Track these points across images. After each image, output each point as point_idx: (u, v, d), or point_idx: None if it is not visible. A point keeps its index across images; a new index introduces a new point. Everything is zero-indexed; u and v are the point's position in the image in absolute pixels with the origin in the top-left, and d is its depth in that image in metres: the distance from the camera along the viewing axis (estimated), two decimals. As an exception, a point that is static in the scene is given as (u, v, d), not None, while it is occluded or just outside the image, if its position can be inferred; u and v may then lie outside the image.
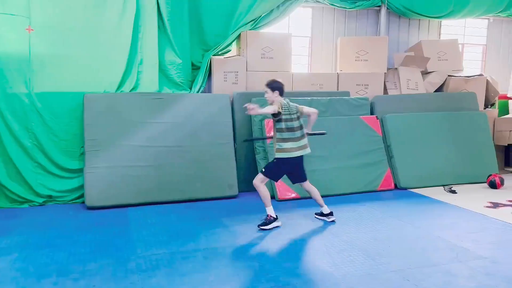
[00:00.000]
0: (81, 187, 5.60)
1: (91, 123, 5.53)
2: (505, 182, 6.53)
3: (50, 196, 5.59)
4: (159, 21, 6.16)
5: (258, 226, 4.60)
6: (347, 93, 6.93)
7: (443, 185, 6.48)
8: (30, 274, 3.46)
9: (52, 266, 3.61)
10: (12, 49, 5.38)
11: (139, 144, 5.60)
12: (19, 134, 5.45)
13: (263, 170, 4.73)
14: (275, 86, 4.63)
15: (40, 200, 5.55)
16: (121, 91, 5.89)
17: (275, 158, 4.68)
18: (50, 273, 3.46)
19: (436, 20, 8.16)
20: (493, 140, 7.35)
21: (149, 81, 6.08)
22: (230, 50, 6.88)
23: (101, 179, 5.40)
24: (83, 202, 5.56)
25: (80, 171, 5.65)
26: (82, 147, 5.60)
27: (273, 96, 4.62)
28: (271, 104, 4.63)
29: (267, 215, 4.63)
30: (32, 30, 5.46)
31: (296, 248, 4.09)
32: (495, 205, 5.57)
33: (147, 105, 5.77)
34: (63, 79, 5.63)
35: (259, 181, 4.66)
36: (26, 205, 5.49)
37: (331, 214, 4.89)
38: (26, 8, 5.41)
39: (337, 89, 7.12)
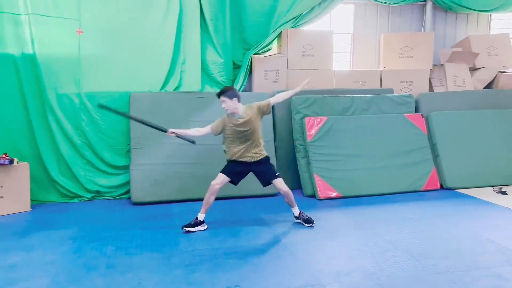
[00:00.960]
0: (127, 183, 5.80)
1: (137, 122, 5.70)
2: (561, 184, 6.18)
3: (98, 192, 5.83)
4: (202, 21, 6.26)
5: (182, 227, 4.47)
6: (390, 91, 6.78)
7: (493, 186, 6.21)
8: (80, 265, 3.63)
9: (100, 259, 3.76)
10: (63, 51, 5.62)
11: (182, 142, 5.69)
12: (69, 132, 5.71)
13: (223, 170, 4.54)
14: (232, 93, 4.34)
15: (89, 196, 5.80)
16: (165, 90, 6.04)
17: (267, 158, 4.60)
18: (99, 265, 3.62)
19: (486, 14, 7.81)
20: (548, 139, 6.95)
21: (192, 80, 6.20)
22: (271, 49, 6.90)
23: (146, 176, 5.57)
24: (129, 198, 5.77)
25: (126, 168, 5.85)
26: (128, 144, 5.80)
27: (233, 103, 4.33)
28: (233, 113, 4.37)
29: (196, 217, 4.50)
30: (82, 32, 5.70)
31: (337, 248, 4.04)
32: (550, 207, 5.28)
33: (190, 103, 5.89)
34: (110, 79, 5.83)
35: (216, 183, 4.43)
36: (76, 200, 5.76)
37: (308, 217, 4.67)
38: (77, 11, 5.64)
39: (380, 87, 6.98)
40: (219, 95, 4.37)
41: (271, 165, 4.66)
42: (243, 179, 4.65)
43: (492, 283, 3.27)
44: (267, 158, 4.59)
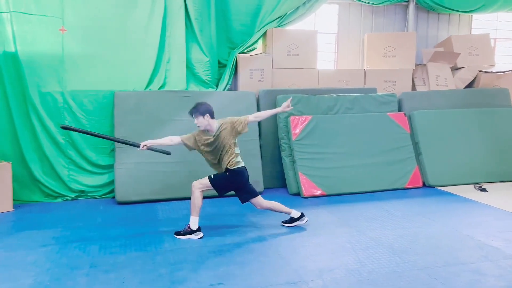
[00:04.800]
0: (112, 182, 5.77)
1: (121, 120, 5.68)
2: (539, 181, 6.34)
3: (82, 191, 5.79)
4: (187, 20, 6.27)
5: (175, 233, 4.30)
6: (374, 90, 6.86)
7: (473, 183, 6.34)
8: (63, 265, 3.61)
9: (84, 258, 3.75)
10: (46, 49, 5.57)
11: (167, 141, 5.70)
12: (53, 131, 5.66)
13: (212, 176, 4.31)
14: (204, 109, 4.15)
15: (73, 195, 5.75)
16: (150, 89, 6.02)
17: (229, 171, 4.25)
18: (82, 265, 3.60)
19: (467, 14, 7.96)
20: (527, 137, 7.12)
21: (177, 79, 6.20)
22: (256, 48, 6.93)
23: (130, 175, 5.55)
24: (113, 197, 5.74)
25: (110, 167, 5.82)
26: (112, 143, 5.77)
27: (205, 120, 4.15)
28: (206, 130, 4.19)
29: (188, 224, 4.27)
30: (65, 30, 5.65)
31: (320, 245, 4.09)
32: (528, 204, 5.41)
33: (175, 102, 5.88)
34: (94, 77, 5.79)
35: (198, 187, 4.24)
36: (59, 200, 5.70)
37: (302, 215, 4.58)
38: (60, 9, 5.59)
39: (364, 86, 7.06)
40: (190, 112, 4.21)
41: (249, 184, 4.41)
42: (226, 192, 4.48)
43: (470, 278, 3.35)
44: (240, 169, 4.29)
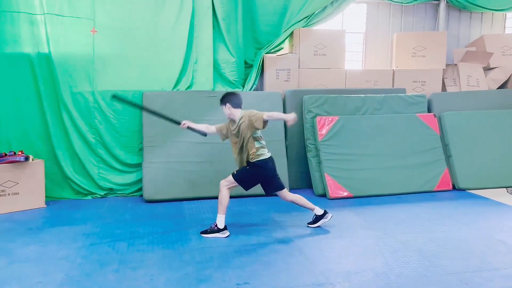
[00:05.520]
0: (140, 181, 5.88)
1: (149, 120, 5.76)
2: None
3: (111, 189, 5.92)
4: (214, 21, 6.31)
5: (201, 232, 4.34)
6: (403, 90, 6.74)
7: (506, 187, 6.14)
8: (93, 261, 3.69)
9: (113, 255, 3.82)
10: (78, 50, 5.72)
11: (194, 141, 5.76)
12: (83, 130, 5.80)
13: (234, 172, 4.35)
14: (226, 99, 4.30)
15: (102, 193, 5.88)
16: (177, 89, 6.10)
17: (249, 164, 4.29)
18: (111, 261, 3.68)
19: (501, 13, 7.72)
20: None
21: (204, 79, 6.26)
22: (283, 48, 6.91)
23: (158, 174, 5.63)
24: (141, 195, 5.84)
25: (139, 165, 5.92)
26: (140, 142, 5.87)
27: (227, 109, 4.30)
28: (232, 120, 4.30)
29: (215, 223, 4.30)
30: (96, 31, 5.78)
31: (347, 247, 4.05)
32: None
33: (202, 102, 5.94)
34: (124, 77, 5.91)
35: (225, 185, 4.29)
36: (89, 197, 5.85)
37: (326, 212, 4.56)
38: (91, 11, 5.73)
39: (393, 86, 6.95)
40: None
41: (275, 177, 4.43)
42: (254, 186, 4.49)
43: (503, 284, 3.25)
44: (261, 162, 4.28)
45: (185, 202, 5.57)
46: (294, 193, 5.84)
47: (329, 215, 4.57)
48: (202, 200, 5.60)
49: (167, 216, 5.02)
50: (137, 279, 3.35)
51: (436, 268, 3.54)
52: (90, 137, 5.84)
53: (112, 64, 5.87)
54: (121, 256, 3.80)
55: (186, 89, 6.14)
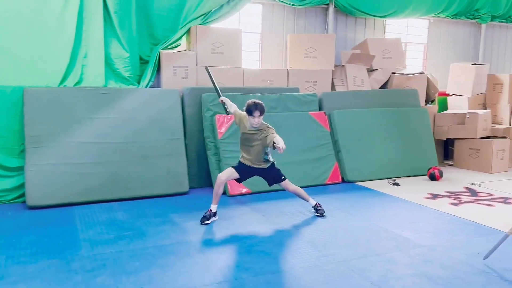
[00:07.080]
0: (22, 185, 5.32)
1: (32, 119, 5.27)
2: (444, 175, 6.91)
3: (-13, 196, 5.29)
4: (105, 14, 5.97)
5: (201, 222, 4.62)
6: (296, 90, 7.05)
7: (387, 178, 6.77)
8: (-37, 279, 3.27)
9: (-12, 270, 3.42)
10: None
11: (84, 141, 5.41)
12: (-48, 130, 5.11)
13: (236, 165, 4.76)
14: (263, 108, 4.58)
15: (-23, 200, 5.24)
16: (65, 85, 5.66)
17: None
18: (-14, 277, 3.29)
19: (381, 19, 8.47)
20: (433, 134, 7.75)
21: (95, 75, 5.89)
22: (180, 45, 6.80)
23: (43, 177, 5.17)
24: (23, 202, 5.29)
25: (20, 169, 5.37)
26: (22, 144, 5.33)
27: (261, 119, 4.55)
28: (256, 124, 4.53)
29: (209, 209, 4.70)
30: (-34, 19, 5.12)
31: (242, 241, 4.12)
32: (434, 196, 5.89)
33: (93, 100, 5.58)
34: (1, 71, 5.33)
35: (224, 176, 4.69)
36: (-40, 206, 5.17)
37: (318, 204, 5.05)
38: (-42, -4, 5.07)
39: (287, 85, 7.22)
40: (251, 108, 4.50)
41: (277, 170, 4.84)
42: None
43: (384, 268, 3.57)
44: (271, 166, 4.78)
45: (76, 207, 5.18)
46: (194, 191, 5.88)
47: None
48: (94, 204, 5.26)
49: (54, 223, 4.62)
50: (17, 295, 3.04)
51: (326, 257, 3.76)
52: (-39, 138, 5.17)
53: (-14, 57, 5.25)
54: (-2, 270, 3.42)
55: (74, 85, 5.72)
